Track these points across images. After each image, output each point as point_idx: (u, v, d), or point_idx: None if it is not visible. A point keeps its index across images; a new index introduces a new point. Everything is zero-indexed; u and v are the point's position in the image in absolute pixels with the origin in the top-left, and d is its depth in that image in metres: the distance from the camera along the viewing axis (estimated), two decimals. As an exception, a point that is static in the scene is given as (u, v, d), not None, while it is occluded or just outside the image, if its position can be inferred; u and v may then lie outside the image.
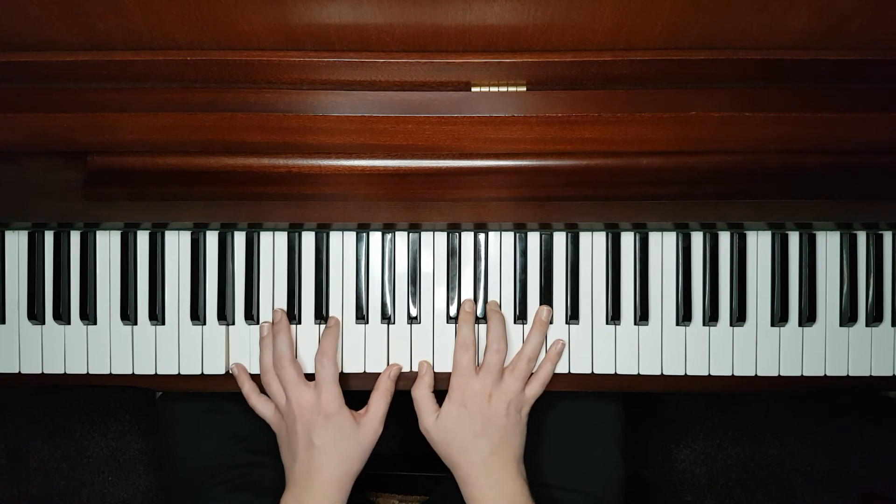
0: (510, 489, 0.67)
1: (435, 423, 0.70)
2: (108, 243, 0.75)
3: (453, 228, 0.74)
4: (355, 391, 0.74)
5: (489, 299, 0.74)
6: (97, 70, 0.63)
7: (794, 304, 0.74)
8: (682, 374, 0.74)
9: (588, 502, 0.75)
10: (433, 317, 0.75)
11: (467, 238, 0.75)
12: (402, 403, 0.73)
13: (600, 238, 0.75)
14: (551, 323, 0.74)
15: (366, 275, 0.75)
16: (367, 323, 0.75)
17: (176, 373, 0.75)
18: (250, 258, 0.75)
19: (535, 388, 0.72)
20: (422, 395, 0.71)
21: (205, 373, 0.74)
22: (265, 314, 0.75)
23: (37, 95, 0.65)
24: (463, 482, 0.68)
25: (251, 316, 0.74)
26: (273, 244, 0.75)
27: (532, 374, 0.72)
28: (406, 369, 0.74)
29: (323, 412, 0.67)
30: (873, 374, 0.74)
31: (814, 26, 0.59)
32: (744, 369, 0.74)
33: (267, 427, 0.76)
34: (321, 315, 0.74)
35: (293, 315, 0.74)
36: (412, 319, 0.75)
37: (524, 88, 0.65)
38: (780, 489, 0.83)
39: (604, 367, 0.74)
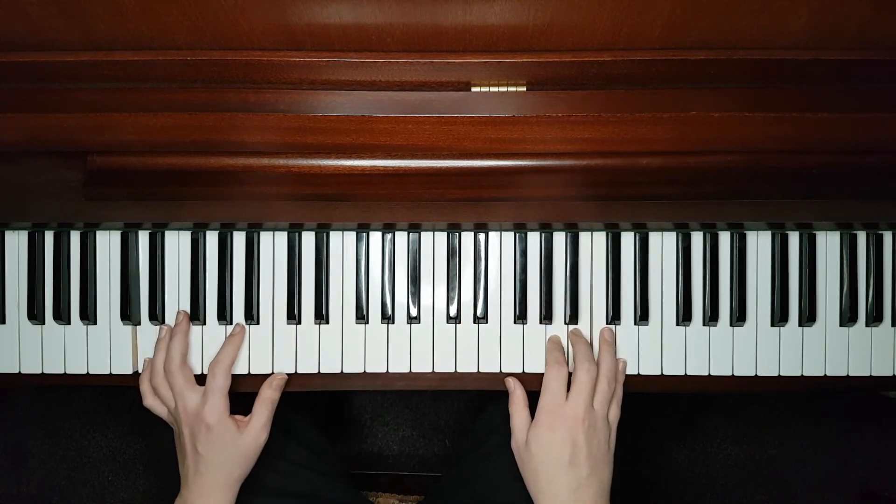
0: None
1: (523, 446, 0.68)
2: (108, 243, 0.75)
3: (453, 228, 0.74)
4: (359, 391, 0.74)
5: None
6: (97, 70, 0.63)
7: (794, 304, 0.74)
8: (682, 374, 0.74)
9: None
10: (433, 317, 0.75)
11: (467, 238, 0.75)
12: (402, 405, 0.73)
13: (600, 238, 0.75)
14: (550, 324, 0.74)
15: (366, 275, 0.75)
16: (367, 323, 0.75)
17: (176, 373, 0.75)
18: (250, 258, 0.75)
19: (615, 412, 0.70)
20: (514, 411, 0.70)
21: (205, 373, 0.74)
22: (265, 314, 0.75)
23: (37, 95, 0.65)
24: None
25: (251, 316, 0.74)
26: (273, 244, 0.75)
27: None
28: (405, 369, 0.74)
29: (204, 422, 0.67)
30: (873, 374, 0.74)
31: (814, 26, 0.59)
32: (744, 369, 0.74)
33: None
34: (321, 315, 0.74)
35: (293, 315, 0.74)
36: (412, 319, 0.75)
37: (524, 88, 0.65)
38: (780, 489, 0.83)
39: (604, 367, 0.74)
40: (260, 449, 0.69)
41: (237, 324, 0.73)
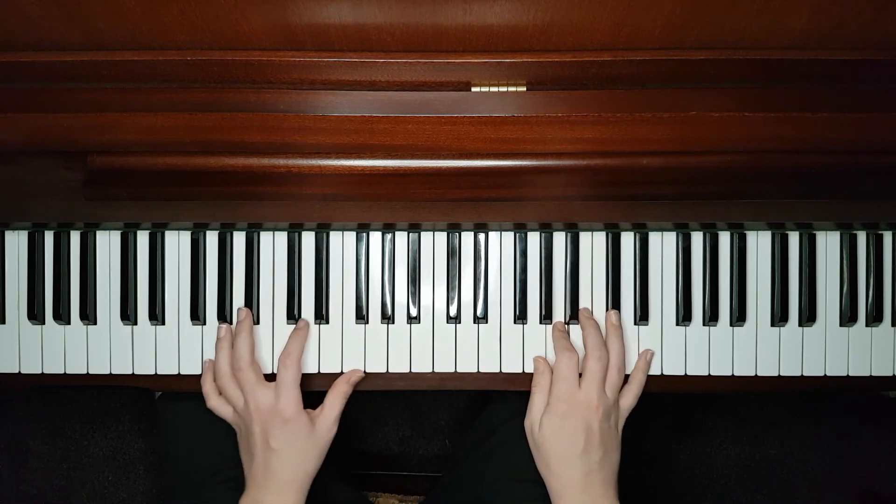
0: None
1: (536, 430, 0.68)
2: (108, 243, 0.75)
3: (453, 228, 0.74)
4: (360, 391, 0.74)
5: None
6: (97, 70, 0.63)
7: (794, 304, 0.74)
8: (683, 374, 0.74)
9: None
10: (433, 317, 0.75)
11: (467, 238, 0.75)
12: (402, 405, 0.73)
13: (600, 238, 0.75)
14: (550, 324, 0.74)
15: (366, 275, 0.75)
16: (367, 323, 0.75)
17: (176, 373, 0.75)
18: (250, 258, 0.75)
19: (629, 400, 0.71)
20: (536, 392, 0.70)
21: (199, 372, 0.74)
22: (265, 314, 0.75)
23: (37, 95, 0.65)
24: (557, 496, 0.66)
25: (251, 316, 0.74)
26: (273, 244, 0.75)
27: (623, 385, 0.71)
28: (405, 369, 0.74)
29: (280, 416, 0.67)
30: (873, 374, 0.74)
31: (814, 26, 0.59)
32: (744, 369, 0.74)
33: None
34: (321, 315, 0.74)
35: (293, 315, 0.74)
36: (412, 319, 0.75)
37: (524, 88, 0.65)
38: (780, 489, 0.83)
39: (604, 367, 0.74)
40: (330, 443, 0.70)
41: (302, 319, 0.73)
